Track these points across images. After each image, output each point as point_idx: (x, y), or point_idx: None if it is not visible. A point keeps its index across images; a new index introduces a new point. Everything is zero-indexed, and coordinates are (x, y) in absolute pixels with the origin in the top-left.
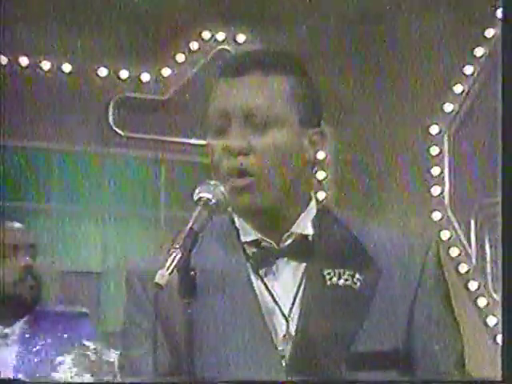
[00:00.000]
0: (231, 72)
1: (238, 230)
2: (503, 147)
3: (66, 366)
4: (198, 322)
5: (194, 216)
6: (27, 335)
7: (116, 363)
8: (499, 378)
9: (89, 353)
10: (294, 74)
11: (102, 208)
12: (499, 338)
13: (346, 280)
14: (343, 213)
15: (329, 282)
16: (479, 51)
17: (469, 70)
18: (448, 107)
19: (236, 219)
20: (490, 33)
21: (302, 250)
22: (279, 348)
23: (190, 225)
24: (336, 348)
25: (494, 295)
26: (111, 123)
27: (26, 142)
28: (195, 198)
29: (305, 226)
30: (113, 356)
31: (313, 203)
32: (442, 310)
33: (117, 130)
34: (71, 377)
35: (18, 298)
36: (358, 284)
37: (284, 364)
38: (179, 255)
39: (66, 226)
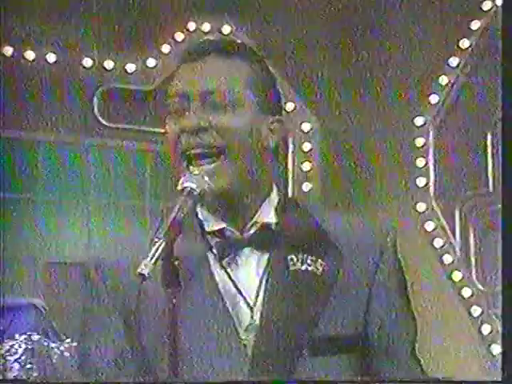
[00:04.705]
0: (191, 57)
1: (200, 221)
2: (503, 145)
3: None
4: (159, 310)
5: (178, 206)
6: None
7: (55, 356)
8: (499, 378)
9: (27, 344)
10: (252, 62)
11: (87, 198)
12: (484, 328)
13: (309, 265)
14: (304, 201)
15: (292, 268)
16: (465, 43)
17: (454, 61)
18: (433, 99)
19: (199, 211)
20: (475, 25)
21: (265, 238)
22: (243, 337)
23: (173, 215)
24: (299, 333)
25: (479, 285)
26: (96, 114)
27: (9, 131)
28: (179, 187)
29: (268, 214)
30: (55, 349)
31: (274, 193)
32: (396, 297)
33: (102, 120)
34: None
35: None
36: (321, 269)
37: (248, 353)
38: (163, 245)
39: (50, 216)
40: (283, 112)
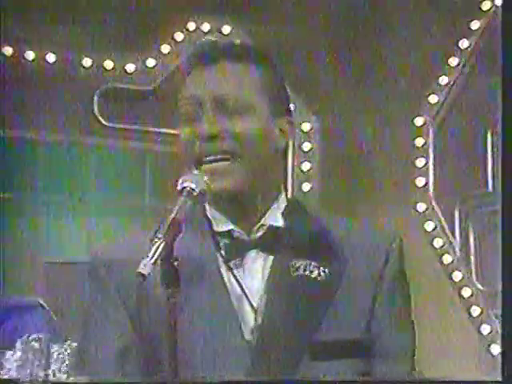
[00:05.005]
0: (201, 61)
1: (209, 221)
2: (503, 145)
3: (12, 359)
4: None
5: (178, 206)
6: None
7: (66, 354)
8: (499, 378)
9: (35, 344)
10: (262, 65)
11: (87, 198)
12: (483, 328)
13: (311, 272)
14: (312, 206)
15: (294, 273)
16: (464, 43)
17: (454, 61)
18: (433, 99)
19: (208, 209)
20: (475, 25)
21: (272, 241)
22: (247, 338)
23: (173, 214)
24: (299, 338)
25: (479, 285)
26: (96, 113)
27: (9, 131)
28: (179, 187)
29: (275, 217)
30: (63, 347)
31: (283, 196)
32: (400, 304)
33: (102, 120)
34: (17, 369)
35: None
36: (323, 275)
37: (250, 354)
38: (162, 245)
39: (50, 216)
40: (292, 112)
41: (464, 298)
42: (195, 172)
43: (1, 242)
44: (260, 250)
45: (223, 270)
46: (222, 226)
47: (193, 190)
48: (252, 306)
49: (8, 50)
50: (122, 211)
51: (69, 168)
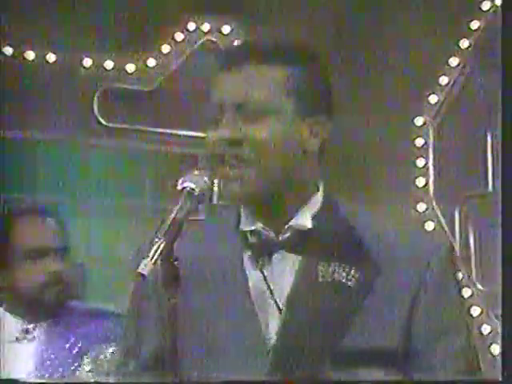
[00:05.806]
0: (227, 64)
1: (239, 219)
2: (503, 145)
3: (87, 364)
4: (188, 309)
5: (178, 206)
6: (52, 332)
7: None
8: (499, 378)
9: (109, 351)
10: (292, 64)
11: (87, 198)
12: (484, 328)
13: (340, 276)
14: (348, 206)
15: (321, 278)
16: (464, 43)
17: (454, 61)
18: (433, 99)
19: (242, 208)
20: (475, 25)
21: (300, 243)
22: (269, 339)
23: (173, 214)
24: (322, 344)
25: (479, 285)
26: (96, 114)
27: (9, 132)
28: (179, 187)
29: (305, 219)
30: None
31: (318, 195)
32: (446, 316)
33: (102, 120)
34: (92, 374)
35: (46, 301)
36: (353, 280)
37: (271, 356)
38: (163, 245)
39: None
40: (326, 110)
41: (464, 298)
42: (195, 172)
43: None
44: (288, 251)
45: (250, 269)
46: (250, 225)
47: (193, 190)
48: (278, 307)
49: (8, 50)
50: (122, 211)
51: (69, 168)
